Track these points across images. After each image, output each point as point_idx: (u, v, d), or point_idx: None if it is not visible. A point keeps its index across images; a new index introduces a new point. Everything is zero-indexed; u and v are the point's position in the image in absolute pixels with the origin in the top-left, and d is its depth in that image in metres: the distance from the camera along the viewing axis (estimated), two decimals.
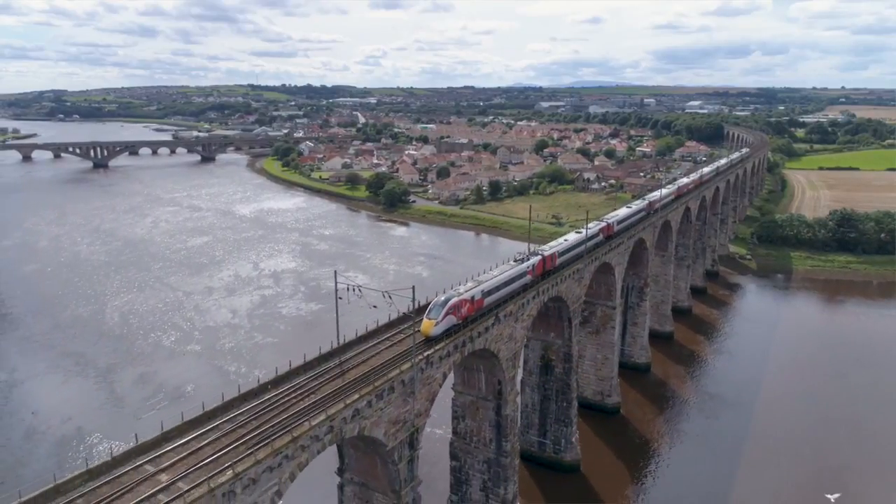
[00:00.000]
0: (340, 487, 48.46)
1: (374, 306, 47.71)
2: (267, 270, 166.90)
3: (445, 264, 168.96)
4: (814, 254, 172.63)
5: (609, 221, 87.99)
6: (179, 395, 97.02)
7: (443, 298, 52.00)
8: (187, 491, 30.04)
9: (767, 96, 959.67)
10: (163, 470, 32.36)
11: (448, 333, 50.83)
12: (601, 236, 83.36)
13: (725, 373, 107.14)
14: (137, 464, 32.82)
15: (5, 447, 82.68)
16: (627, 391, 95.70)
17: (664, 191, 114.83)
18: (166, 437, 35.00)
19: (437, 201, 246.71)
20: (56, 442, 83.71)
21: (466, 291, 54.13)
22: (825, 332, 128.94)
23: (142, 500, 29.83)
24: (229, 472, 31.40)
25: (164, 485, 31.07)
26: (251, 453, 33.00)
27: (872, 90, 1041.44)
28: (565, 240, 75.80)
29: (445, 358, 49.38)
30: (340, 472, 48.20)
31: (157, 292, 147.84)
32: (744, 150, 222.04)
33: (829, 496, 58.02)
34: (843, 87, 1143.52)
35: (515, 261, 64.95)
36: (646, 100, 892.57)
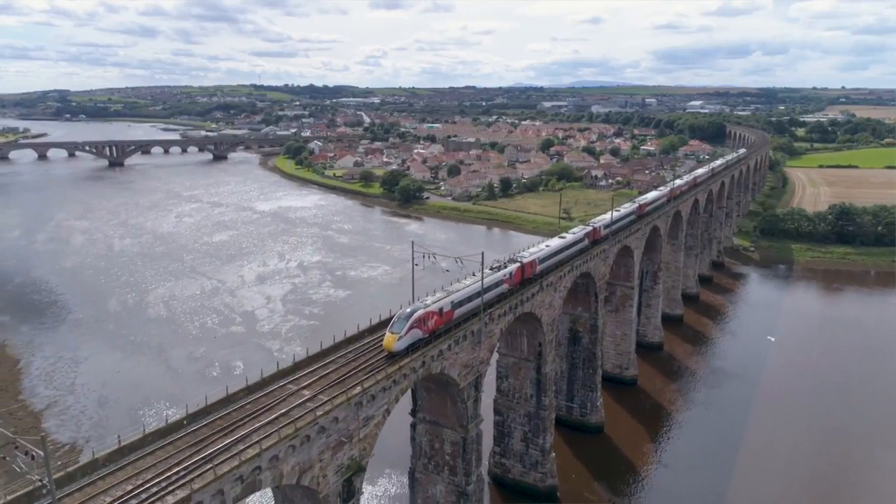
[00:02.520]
0: (413, 426, 57.28)
1: (447, 270, 56.12)
2: (293, 261, 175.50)
3: (462, 256, 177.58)
4: (814, 246, 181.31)
5: (596, 225, 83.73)
6: (231, 369, 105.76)
7: (408, 311, 48.50)
8: (329, 400, 38.78)
9: (768, 96, 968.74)
10: (303, 388, 41.21)
11: (413, 348, 47.35)
12: (587, 241, 79.55)
13: (730, 351, 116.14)
14: (281, 384, 41.61)
15: (84, 413, 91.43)
16: (642, 365, 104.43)
17: (656, 193, 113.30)
18: (297, 366, 43.85)
19: (450, 197, 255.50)
20: (128, 407, 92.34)
21: (434, 303, 50.58)
22: (823, 316, 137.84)
23: (296, 406, 38.60)
24: (359, 388, 40.26)
25: (308, 396, 39.86)
26: (371, 375, 41.90)
27: (872, 90, 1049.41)
28: (547, 245, 71.88)
29: (503, 317, 58.20)
30: (414, 413, 56.99)
31: (194, 281, 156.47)
32: (740, 151, 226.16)
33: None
34: (843, 87, 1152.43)
35: (491, 269, 60.52)
36: (647, 100, 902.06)
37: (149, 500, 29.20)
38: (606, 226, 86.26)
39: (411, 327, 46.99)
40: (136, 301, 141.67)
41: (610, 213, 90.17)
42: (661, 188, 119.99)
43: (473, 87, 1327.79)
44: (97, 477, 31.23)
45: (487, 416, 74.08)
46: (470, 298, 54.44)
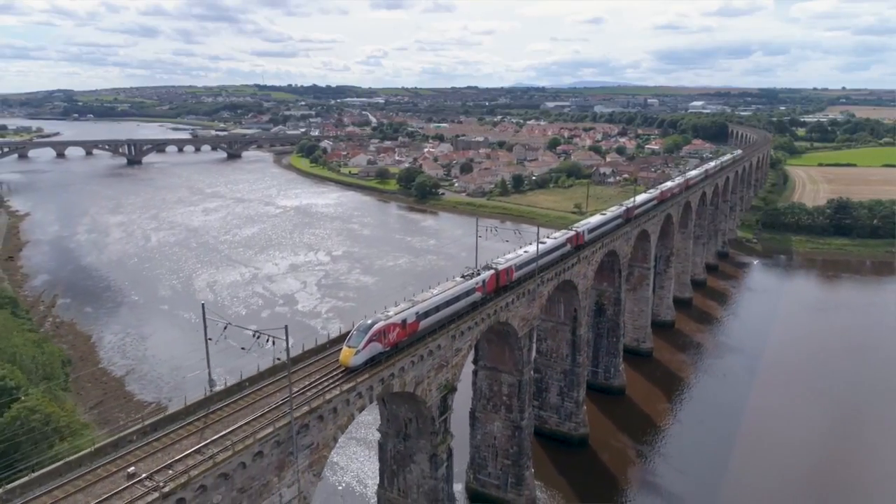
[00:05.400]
0: (475, 373, 68.21)
1: (507, 241, 66.83)
2: (321, 251, 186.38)
3: (479, 245, 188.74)
4: (813, 238, 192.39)
5: (579, 230, 79.96)
6: (281, 342, 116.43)
7: (369, 322, 46.05)
8: (434, 332, 49.88)
9: (769, 97, 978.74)
10: None
11: (372, 363, 45.00)
12: (569, 246, 76.50)
13: (735, 328, 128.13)
14: None
15: (161, 378, 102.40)
16: (657, 340, 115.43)
17: (645, 196, 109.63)
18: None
19: (464, 193, 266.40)
20: (198, 373, 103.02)
21: (397, 314, 48.00)
22: (820, 300, 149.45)
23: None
24: (452, 326, 51.45)
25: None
26: (455, 319, 53.06)
27: (873, 90, 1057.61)
28: (525, 251, 68.34)
29: (549, 281, 69.19)
30: (475, 361, 67.87)
31: (232, 269, 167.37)
32: (736, 152, 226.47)
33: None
34: (843, 88, 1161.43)
35: (463, 276, 57.97)
36: (649, 100, 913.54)
37: (327, 388, 40.17)
38: (591, 230, 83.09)
39: (370, 340, 44.67)
40: (183, 286, 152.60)
41: (608, 204, 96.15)
42: (651, 191, 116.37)
43: (475, 87, 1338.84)
44: (279, 378, 42.31)
45: None
46: (438, 308, 52.09)
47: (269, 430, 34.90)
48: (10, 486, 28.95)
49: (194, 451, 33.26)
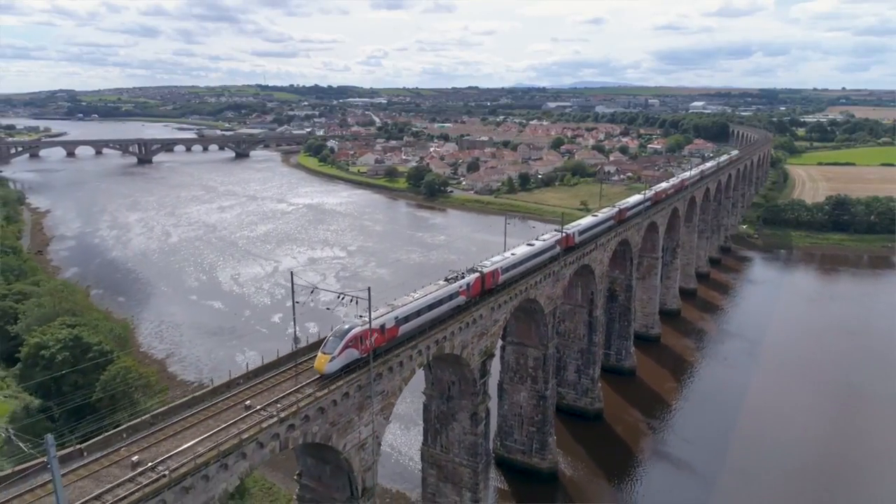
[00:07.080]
0: (503, 348, 74.82)
1: (533, 227, 73.38)
2: (337, 246, 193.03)
3: (486, 241, 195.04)
4: (812, 233, 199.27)
5: (569, 232, 78.36)
6: (307, 329, 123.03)
7: (346, 327, 45.08)
8: (479, 303, 56.53)
9: (769, 97, 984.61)
10: None
11: (348, 369, 43.61)
12: (558, 248, 74.82)
13: (737, 316, 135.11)
14: None
15: (199, 360, 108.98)
16: (664, 327, 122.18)
17: (638, 197, 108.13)
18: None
19: (472, 191, 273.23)
20: (232, 356, 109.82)
21: (375, 319, 46.58)
22: (820, 292, 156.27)
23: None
24: (492, 297, 58.10)
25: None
26: (488, 295, 59.75)
27: (873, 91, 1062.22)
28: (512, 254, 67.07)
29: (570, 265, 75.87)
30: (504, 338, 74.46)
31: (253, 262, 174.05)
32: (733, 153, 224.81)
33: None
34: (843, 88, 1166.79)
35: (446, 279, 56.27)
36: (650, 100, 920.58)
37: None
38: (581, 232, 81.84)
39: (346, 347, 43.29)
40: (209, 278, 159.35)
41: (612, 202, 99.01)
42: (646, 192, 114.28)
43: (476, 88, 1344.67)
44: None
45: None
46: (419, 313, 50.68)
47: (353, 374, 41.54)
48: (155, 411, 35.63)
49: (294, 391, 39.96)
